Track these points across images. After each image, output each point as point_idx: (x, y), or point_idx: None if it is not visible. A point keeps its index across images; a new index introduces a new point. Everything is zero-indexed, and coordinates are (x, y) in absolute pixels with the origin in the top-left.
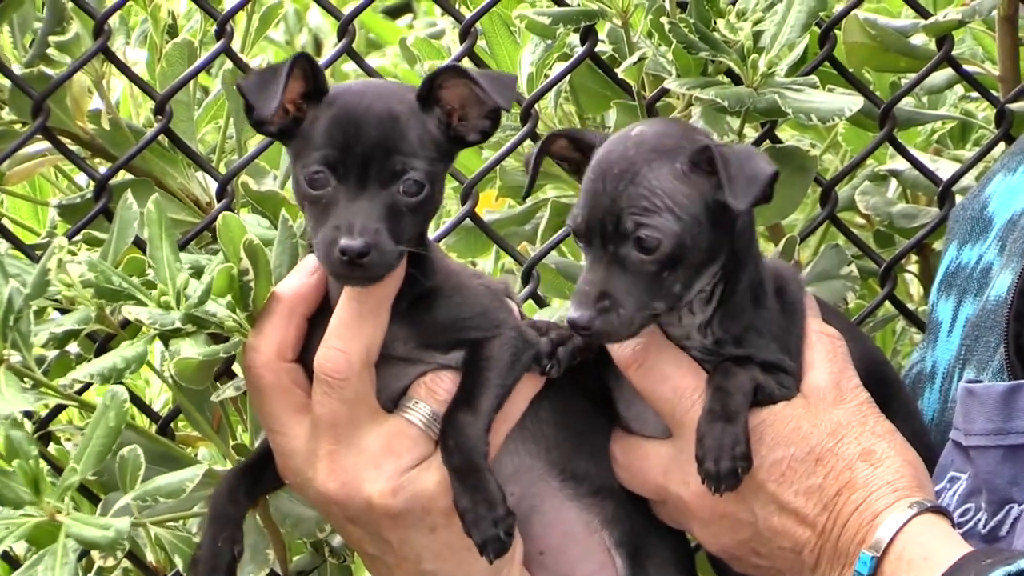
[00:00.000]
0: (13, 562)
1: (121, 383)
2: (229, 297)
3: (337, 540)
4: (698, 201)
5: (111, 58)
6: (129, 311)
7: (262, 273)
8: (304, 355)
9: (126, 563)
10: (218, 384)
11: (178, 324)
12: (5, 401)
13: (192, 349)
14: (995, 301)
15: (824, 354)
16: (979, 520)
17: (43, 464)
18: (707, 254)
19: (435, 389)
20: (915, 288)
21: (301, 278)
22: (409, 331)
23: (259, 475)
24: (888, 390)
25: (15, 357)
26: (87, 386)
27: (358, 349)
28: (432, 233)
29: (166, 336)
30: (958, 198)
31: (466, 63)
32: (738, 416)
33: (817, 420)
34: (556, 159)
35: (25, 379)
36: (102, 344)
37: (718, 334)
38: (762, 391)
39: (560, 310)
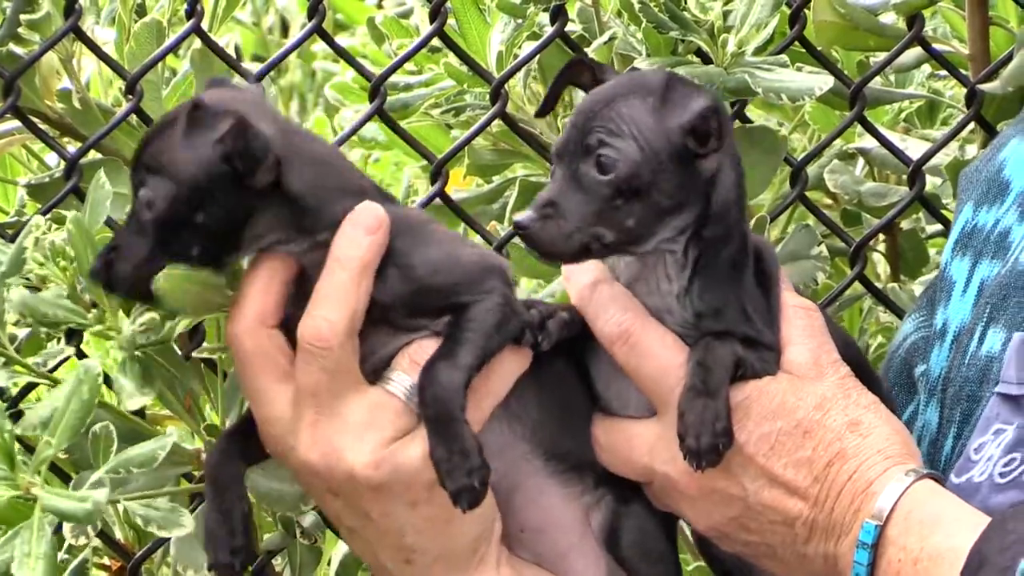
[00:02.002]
0: None
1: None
2: None
3: (308, 520)
4: (663, 137)
5: (82, 37)
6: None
7: None
8: (289, 325)
9: (96, 541)
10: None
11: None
12: None
13: (137, 396)
14: None
15: (802, 328)
16: (1023, 470)
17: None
18: (669, 199)
19: (418, 361)
20: (883, 267)
21: None
22: (397, 294)
23: (248, 439)
24: (859, 372)
25: None
26: (59, 364)
27: (341, 317)
28: None
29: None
30: (928, 178)
31: (436, 42)
32: (719, 392)
33: (802, 394)
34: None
35: None
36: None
37: (698, 306)
38: (744, 366)
39: (530, 289)
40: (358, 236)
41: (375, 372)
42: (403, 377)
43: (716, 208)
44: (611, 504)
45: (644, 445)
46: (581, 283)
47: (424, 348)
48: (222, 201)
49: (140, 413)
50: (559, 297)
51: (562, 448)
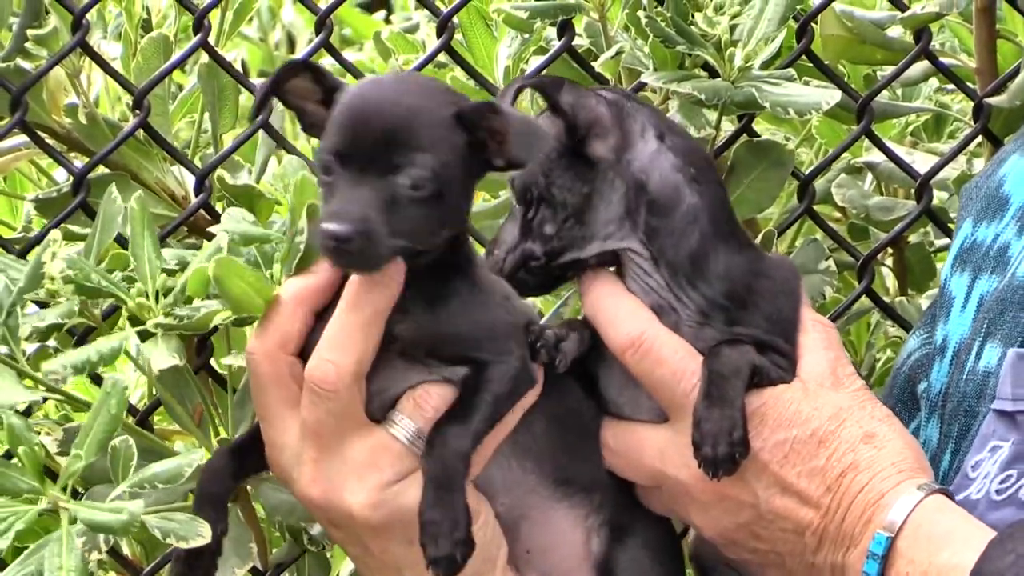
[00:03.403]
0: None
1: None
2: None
3: (316, 528)
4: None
5: (89, 52)
6: None
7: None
8: (308, 352)
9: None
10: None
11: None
12: (4, 392)
13: (165, 357)
14: (1023, 278)
15: (819, 340)
16: (1020, 487)
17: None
18: (571, 194)
19: (423, 406)
20: (890, 282)
21: (321, 276)
22: (419, 334)
23: (247, 456)
24: None
25: (2, 349)
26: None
27: (349, 362)
28: None
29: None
30: (935, 191)
31: (443, 57)
32: (735, 401)
33: (818, 403)
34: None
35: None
36: (81, 337)
37: (697, 301)
38: (760, 373)
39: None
40: (374, 282)
41: (381, 410)
42: (406, 421)
43: (655, 195)
44: (607, 538)
45: (655, 450)
46: (592, 292)
47: (430, 394)
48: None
49: (148, 427)
50: (571, 311)
51: (569, 473)
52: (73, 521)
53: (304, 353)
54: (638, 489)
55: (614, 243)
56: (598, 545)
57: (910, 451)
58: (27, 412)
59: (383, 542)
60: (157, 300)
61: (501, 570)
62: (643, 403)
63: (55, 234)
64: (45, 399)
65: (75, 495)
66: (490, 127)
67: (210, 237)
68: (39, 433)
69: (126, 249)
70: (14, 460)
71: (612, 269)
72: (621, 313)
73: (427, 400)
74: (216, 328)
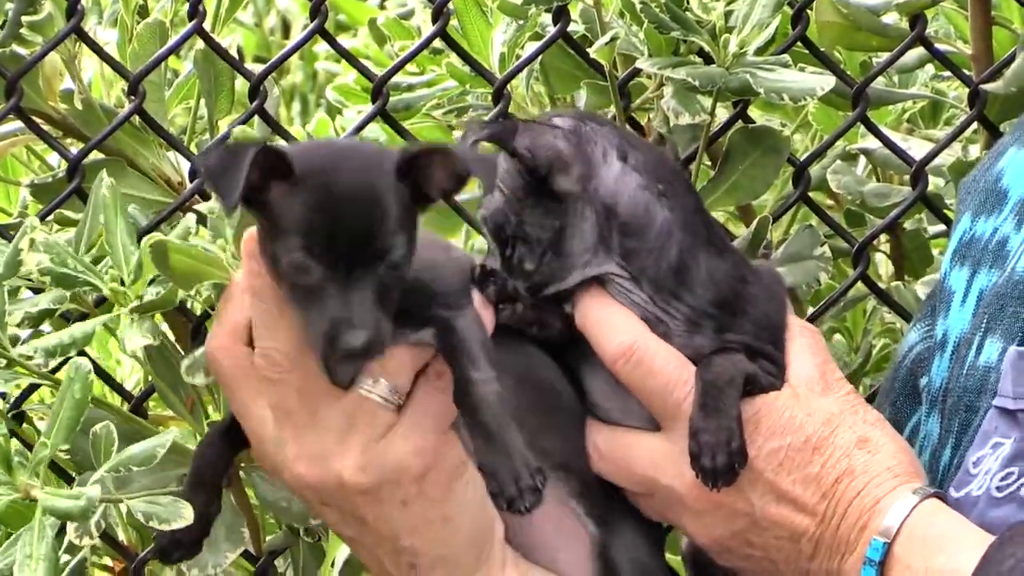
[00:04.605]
0: None
1: (86, 356)
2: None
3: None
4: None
5: (84, 38)
6: None
7: None
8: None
9: (97, 542)
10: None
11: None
12: None
13: (138, 338)
14: (1022, 273)
15: (806, 345)
16: (1021, 485)
17: (15, 444)
18: (542, 230)
19: (386, 363)
20: (885, 268)
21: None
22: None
23: (238, 434)
24: None
25: None
26: (60, 365)
27: (285, 341)
28: None
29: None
30: (931, 178)
31: (438, 43)
32: (731, 411)
33: (810, 409)
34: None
35: None
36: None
37: (684, 311)
38: (753, 381)
39: None
40: (257, 266)
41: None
42: (379, 382)
43: (626, 217)
44: (596, 525)
45: (647, 459)
46: (583, 303)
47: (396, 355)
48: None
49: (143, 414)
50: None
51: (545, 444)
52: (43, 512)
53: None
54: (628, 492)
55: (593, 269)
56: (592, 528)
57: (904, 455)
58: (22, 399)
59: (377, 508)
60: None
61: (499, 546)
62: (632, 409)
63: (33, 220)
64: (35, 386)
65: (69, 481)
66: (432, 168)
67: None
68: (31, 421)
69: None
70: None
71: None
72: (613, 323)
73: (392, 360)
74: (209, 314)
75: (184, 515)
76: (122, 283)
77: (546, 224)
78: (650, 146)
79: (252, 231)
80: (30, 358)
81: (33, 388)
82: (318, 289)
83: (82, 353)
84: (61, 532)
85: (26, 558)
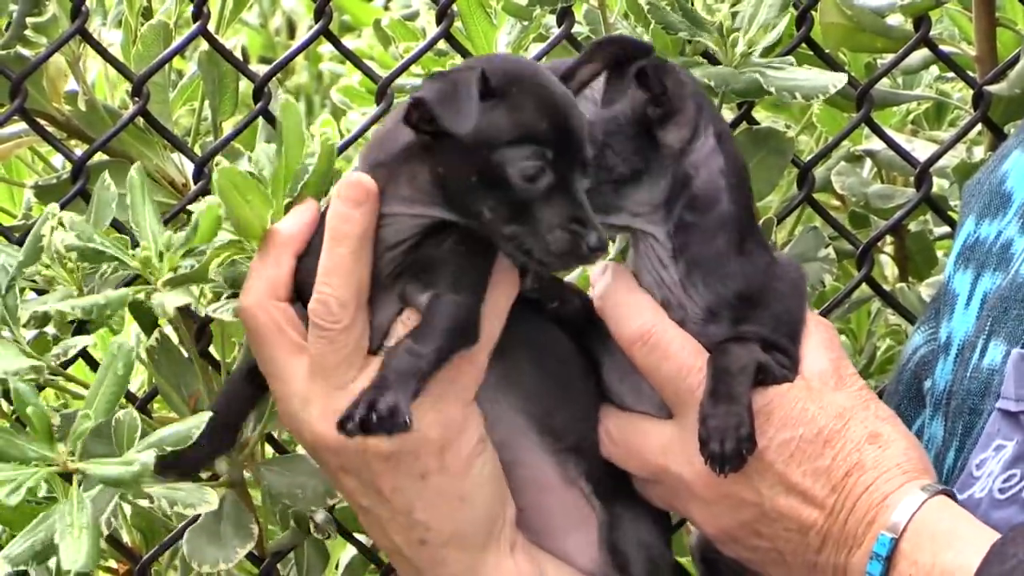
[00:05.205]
0: None
1: (90, 356)
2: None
3: (321, 516)
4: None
5: (88, 39)
6: None
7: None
8: (304, 296)
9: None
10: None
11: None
12: (6, 361)
13: (175, 298)
14: None
15: (821, 341)
16: (1023, 488)
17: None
18: (623, 164)
19: (411, 326)
20: (890, 270)
21: (298, 217)
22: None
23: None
24: None
25: (4, 332)
26: (70, 362)
27: (348, 293)
28: None
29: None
30: (935, 179)
31: (442, 45)
32: (742, 398)
33: (823, 402)
34: None
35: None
36: (80, 326)
37: (707, 298)
38: (766, 371)
39: None
40: (349, 210)
41: (375, 336)
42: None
43: (698, 192)
44: (603, 507)
45: (658, 445)
46: (602, 284)
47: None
48: None
49: (148, 415)
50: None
51: (557, 424)
52: (80, 484)
53: (300, 297)
54: (636, 481)
55: (641, 223)
56: (600, 511)
57: (914, 451)
58: None
59: (395, 477)
60: (161, 259)
61: (510, 529)
62: (644, 393)
63: (53, 207)
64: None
65: None
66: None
67: None
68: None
69: (122, 233)
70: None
71: (627, 260)
72: (631, 306)
73: (415, 319)
74: (211, 319)
75: (209, 500)
76: (153, 257)
77: (629, 161)
78: (735, 141)
79: (355, 178)
80: (67, 316)
81: (39, 388)
82: (547, 195)
83: (85, 353)
84: None
85: (67, 527)
